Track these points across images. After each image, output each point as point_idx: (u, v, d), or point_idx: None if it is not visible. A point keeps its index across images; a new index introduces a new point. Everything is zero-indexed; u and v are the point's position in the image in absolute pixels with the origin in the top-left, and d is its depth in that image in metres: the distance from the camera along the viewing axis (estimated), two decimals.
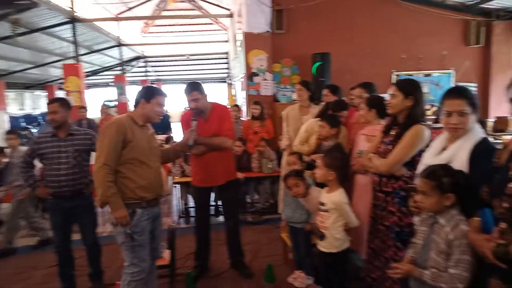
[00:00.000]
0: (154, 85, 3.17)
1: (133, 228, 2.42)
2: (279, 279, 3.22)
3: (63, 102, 3.11)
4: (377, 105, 2.86)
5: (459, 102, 1.78)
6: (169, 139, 7.48)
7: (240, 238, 3.52)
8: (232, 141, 3.24)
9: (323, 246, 2.59)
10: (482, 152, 1.71)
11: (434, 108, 6.74)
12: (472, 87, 7.46)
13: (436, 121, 4.49)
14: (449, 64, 7.32)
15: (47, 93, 15.92)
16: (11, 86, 12.67)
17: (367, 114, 2.89)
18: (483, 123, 7.13)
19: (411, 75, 7.23)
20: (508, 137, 5.48)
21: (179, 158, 4.76)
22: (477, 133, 1.82)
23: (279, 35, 6.67)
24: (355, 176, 2.97)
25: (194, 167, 3.38)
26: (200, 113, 3.13)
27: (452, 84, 7.36)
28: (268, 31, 6.57)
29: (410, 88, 2.31)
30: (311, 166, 3.09)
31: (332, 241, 2.54)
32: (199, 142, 3.00)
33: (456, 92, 1.85)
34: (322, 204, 2.59)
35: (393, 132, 2.40)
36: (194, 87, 3.06)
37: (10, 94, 14.14)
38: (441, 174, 1.67)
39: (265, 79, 6.62)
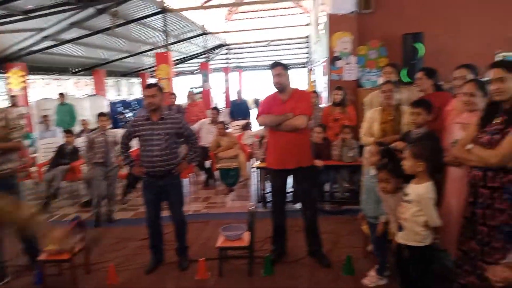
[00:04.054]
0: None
1: None
2: (358, 272, 3.11)
3: (159, 86, 3.35)
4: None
5: None
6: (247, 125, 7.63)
7: (318, 227, 3.45)
8: (304, 119, 3.16)
9: (400, 237, 2.45)
10: None
11: None
12: None
13: None
14: None
15: (141, 80, 17.36)
16: (110, 74, 14.03)
17: (479, 100, 2.52)
18: None
19: None
20: None
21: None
22: None
23: (366, 15, 6.26)
24: (447, 169, 2.71)
25: (269, 149, 3.44)
26: (281, 91, 3.28)
27: None
28: (354, 11, 6.22)
29: None
30: (387, 154, 2.84)
31: (411, 234, 2.38)
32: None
33: None
34: (406, 194, 2.41)
35: (497, 120, 2.15)
36: (278, 63, 3.26)
37: (109, 81, 15.67)
38: None
39: (349, 63, 6.31)
